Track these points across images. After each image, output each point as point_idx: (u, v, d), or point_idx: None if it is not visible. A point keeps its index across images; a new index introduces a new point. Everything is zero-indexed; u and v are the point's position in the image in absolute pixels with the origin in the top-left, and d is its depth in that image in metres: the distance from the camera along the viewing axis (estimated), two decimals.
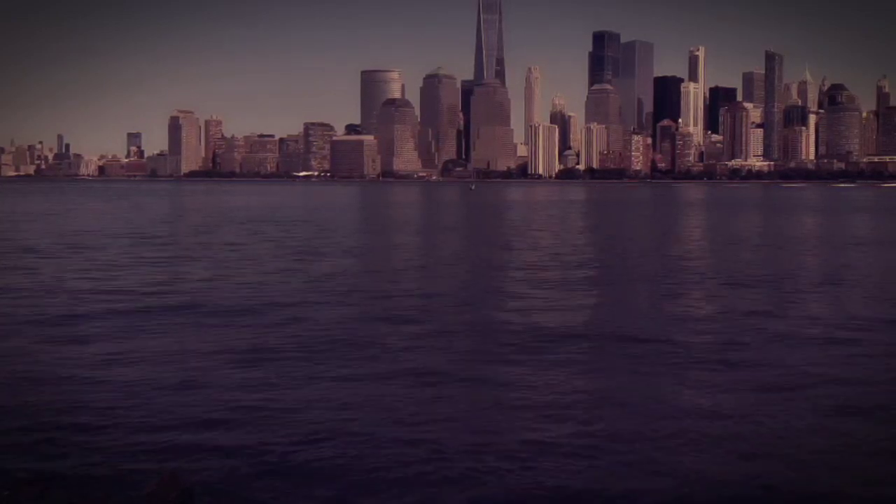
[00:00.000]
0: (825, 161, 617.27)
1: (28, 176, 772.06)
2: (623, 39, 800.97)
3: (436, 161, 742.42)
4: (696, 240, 73.51)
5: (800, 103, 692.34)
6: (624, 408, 18.63)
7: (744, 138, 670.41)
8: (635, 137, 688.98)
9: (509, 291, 37.18)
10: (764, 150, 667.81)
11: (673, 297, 35.04)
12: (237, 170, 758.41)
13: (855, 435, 16.83)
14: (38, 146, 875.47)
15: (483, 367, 22.35)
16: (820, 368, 22.15)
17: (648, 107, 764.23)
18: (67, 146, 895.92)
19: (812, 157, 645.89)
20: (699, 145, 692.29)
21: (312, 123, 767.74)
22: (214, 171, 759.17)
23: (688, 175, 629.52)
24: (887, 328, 28.06)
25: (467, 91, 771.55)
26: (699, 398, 19.42)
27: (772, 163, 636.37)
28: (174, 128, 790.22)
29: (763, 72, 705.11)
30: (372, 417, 17.91)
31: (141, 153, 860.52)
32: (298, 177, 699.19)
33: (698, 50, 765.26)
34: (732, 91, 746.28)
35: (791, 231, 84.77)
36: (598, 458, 15.40)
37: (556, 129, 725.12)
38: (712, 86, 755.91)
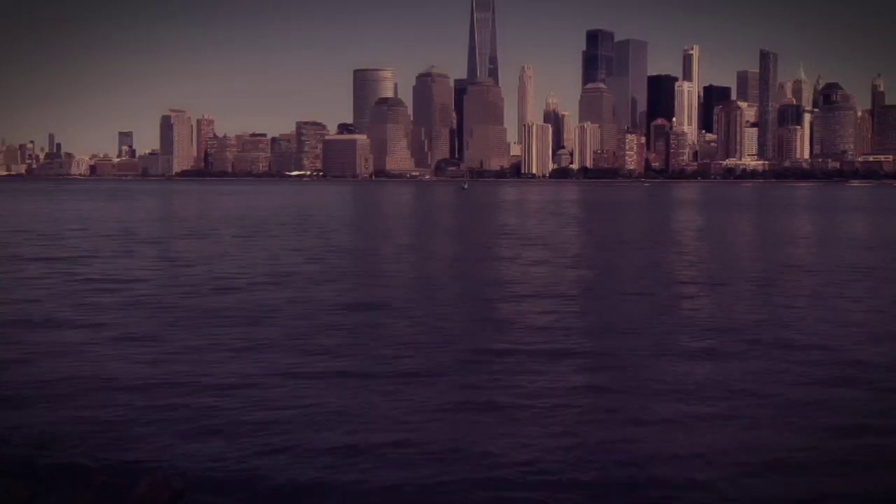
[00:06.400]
0: (820, 160, 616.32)
1: (19, 175, 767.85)
2: (617, 38, 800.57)
3: (429, 160, 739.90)
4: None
5: (794, 102, 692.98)
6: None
7: (738, 137, 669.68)
8: (629, 137, 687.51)
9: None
10: (758, 149, 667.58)
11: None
12: (229, 169, 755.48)
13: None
14: (30, 145, 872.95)
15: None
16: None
17: (642, 106, 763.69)
18: (59, 146, 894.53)
19: (807, 156, 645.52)
20: (693, 144, 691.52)
21: (305, 122, 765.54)
22: (206, 170, 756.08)
23: (682, 174, 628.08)
24: None
25: (460, 90, 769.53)
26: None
27: (766, 162, 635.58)
28: (166, 127, 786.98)
29: (757, 71, 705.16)
30: (370, 422, 17.59)
31: (132, 152, 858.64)
32: (291, 176, 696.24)
33: (692, 49, 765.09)
34: (727, 90, 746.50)
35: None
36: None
37: (550, 129, 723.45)
38: (706, 85, 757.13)
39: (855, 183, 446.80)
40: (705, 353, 23.83)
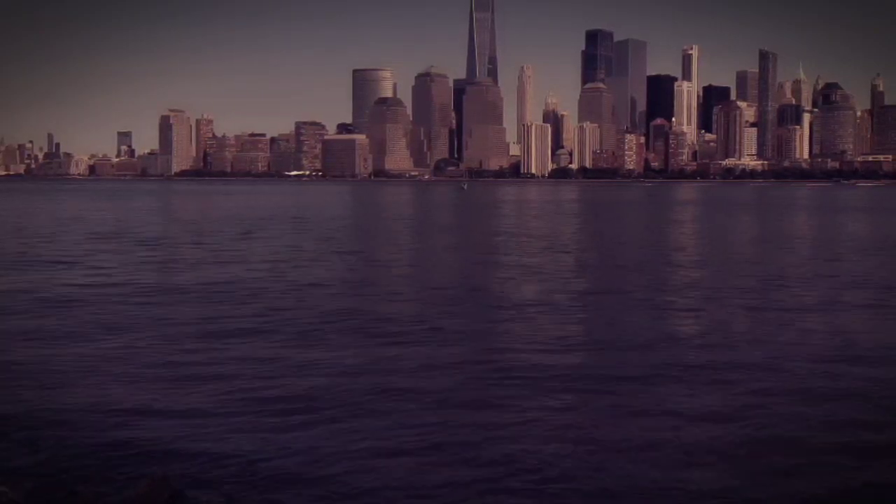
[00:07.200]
0: (819, 160, 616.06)
1: (18, 175, 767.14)
2: (616, 38, 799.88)
3: (428, 160, 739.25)
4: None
5: (794, 102, 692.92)
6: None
7: (737, 137, 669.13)
8: (628, 136, 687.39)
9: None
10: (758, 149, 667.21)
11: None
12: (228, 169, 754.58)
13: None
14: (28, 145, 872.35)
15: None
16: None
17: (642, 106, 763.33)
18: (58, 145, 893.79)
19: (806, 156, 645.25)
20: (693, 144, 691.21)
21: (304, 122, 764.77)
22: (205, 170, 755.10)
23: (681, 174, 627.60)
24: None
25: (459, 90, 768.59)
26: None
27: (766, 162, 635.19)
28: (165, 127, 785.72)
29: (757, 70, 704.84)
30: (370, 423, 17.83)
31: (132, 152, 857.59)
32: (290, 176, 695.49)
33: (692, 49, 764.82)
34: (726, 90, 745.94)
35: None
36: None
37: (549, 128, 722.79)
38: (706, 85, 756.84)
39: (862, 183, 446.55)
40: (705, 368, 22.95)
